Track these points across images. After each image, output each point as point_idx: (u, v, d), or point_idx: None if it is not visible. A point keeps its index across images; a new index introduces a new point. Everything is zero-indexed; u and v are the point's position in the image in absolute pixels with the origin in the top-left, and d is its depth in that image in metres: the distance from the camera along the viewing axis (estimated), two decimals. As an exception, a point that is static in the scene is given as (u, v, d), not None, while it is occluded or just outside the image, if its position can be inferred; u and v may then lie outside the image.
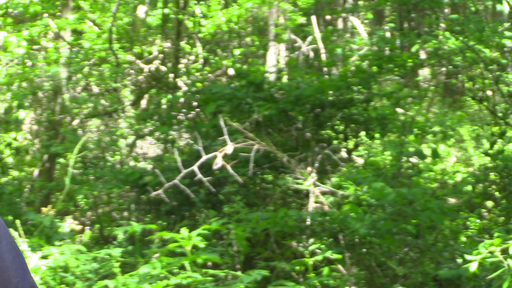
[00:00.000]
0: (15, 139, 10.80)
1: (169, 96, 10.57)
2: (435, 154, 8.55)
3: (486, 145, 8.50)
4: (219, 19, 11.72)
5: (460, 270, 6.08)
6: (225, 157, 7.43)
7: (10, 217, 8.07)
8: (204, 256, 5.93)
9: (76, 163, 9.15)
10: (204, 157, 7.49)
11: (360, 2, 12.51)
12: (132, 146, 11.00)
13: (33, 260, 5.92)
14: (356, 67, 9.20)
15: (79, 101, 11.24)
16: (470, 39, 8.16)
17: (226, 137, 7.52)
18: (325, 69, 11.46)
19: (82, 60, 11.04)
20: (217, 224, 6.71)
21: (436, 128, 9.21)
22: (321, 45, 11.67)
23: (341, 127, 8.60)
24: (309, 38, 12.23)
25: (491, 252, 5.29)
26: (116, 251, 6.38)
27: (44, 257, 6.12)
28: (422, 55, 10.05)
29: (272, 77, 10.08)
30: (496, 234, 5.93)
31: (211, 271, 6.04)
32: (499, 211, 8.02)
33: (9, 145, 10.71)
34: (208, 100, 8.60)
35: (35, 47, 11.28)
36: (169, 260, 5.89)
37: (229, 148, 7.43)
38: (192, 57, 12.13)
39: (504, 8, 8.63)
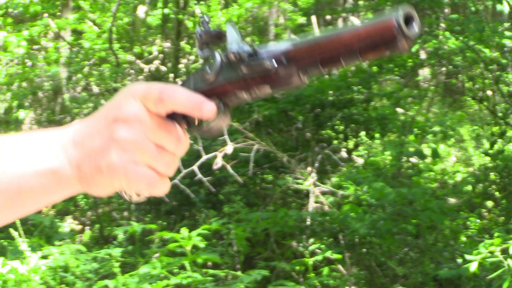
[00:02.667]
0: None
1: (169, 96, 10.55)
2: (435, 154, 8.55)
3: (486, 145, 8.50)
4: (219, 19, 11.72)
5: (460, 270, 6.07)
6: (225, 157, 7.43)
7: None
8: (204, 256, 5.93)
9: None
10: (204, 157, 7.49)
11: (360, 2, 12.51)
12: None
13: (33, 260, 5.93)
14: (356, 67, 9.19)
15: (79, 101, 11.24)
16: (470, 39, 8.16)
17: (226, 137, 7.52)
18: (325, 69, 11.45)
19: (82, 60, 11.04)
20: (217, 224, 6.71)
21: (436, 128, 9.21)
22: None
23: (341, 127, 8.60)
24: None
25: (491, 252, 5.29)
26: (116, 251, 6.38)
27: (44, 257, 6.12)
28: (422, 55, 10.05)
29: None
30: (496, 234, 5.93)
31: (211, 271, 6.04)
32: (499, 211, 8.02)
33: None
34: (208, 100, 8.59)
35: (35, 47, 11.29)
36: (169, 260, 5.89)
37: (229, 148, 7.43)
38: (192, 57, 12.13)
39: (504, 8, 8.63)
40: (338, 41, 1.04)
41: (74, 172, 1.05)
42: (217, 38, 1.14)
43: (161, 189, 1.07)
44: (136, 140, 1.03)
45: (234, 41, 1.13)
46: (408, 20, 1.02)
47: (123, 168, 1.03)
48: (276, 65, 1.08)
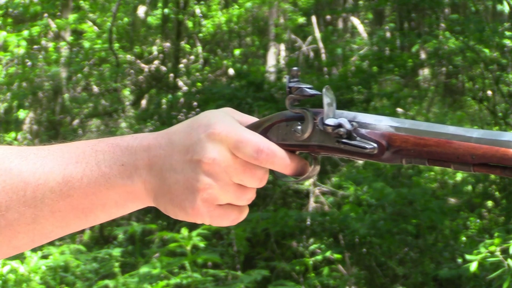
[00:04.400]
0: (15, 139, 10.80)
1: (169, 96, 10.57)
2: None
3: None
4: (219, 19, 11.72)
5: (460, 270, 6.08)
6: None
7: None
8: (204, 256, 5.93)
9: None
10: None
11: (360, 2, 12.52)
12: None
13: (33, 260, 5.93)
14: (356, 67, 9.19)
15: (79, 101, 11.24)
16: (470, 39, 8.16)
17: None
18: (325, 69, 11.46)
19: (82, 60, 11.04)
20: (217, 224, 6.70)
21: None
22: (321, 45, 11.68)
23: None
24: (309, 38, 12.23)
25: (491, 252, 5.29)
26: (116, 251, 6.38)
27: (44, 257, 6.12)
28: (422, 55, 10.06)
29: (272, 77, 10.09)
30: (496, 234, 5.93)
31: (211, 271, 6.05)
32: (499, 211, 8.02)
33: (9, 145, 10.71)
34: (208, 100, 8.61)
35: (35, 47, 11.29)
36: (169, 260, 5.89)
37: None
38: (192, 57, 12.13)
39: (504, 8, 8.63)
40: (449, 148, 1.00)
41: (149, 194, 1.06)
42: (310, 97, 1.08)
43: (242, 219, 1.09)
44: (221, 187, 1.03)
45: (331, 111, 1.07)
46: None
47: (208, 212, 1.05)
48: (377, 150, 1.04)
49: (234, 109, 1.10)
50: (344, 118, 1.06)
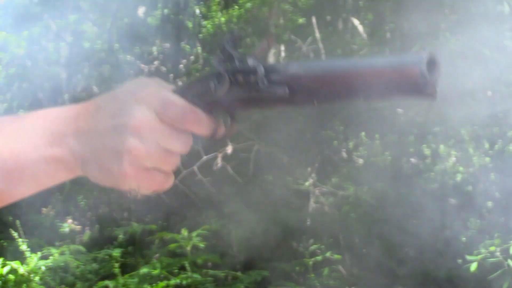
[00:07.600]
0: (15, 139, 10.80)
1: (169, 96, 10.57)
2: (436, 155, 8.55)
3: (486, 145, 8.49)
4: (219, 19, 11.72)
5: (460, 270, 6.07)
6: (225, 157, 7.43)
7: (10, 218, 8.08)
8: (204, 257, 5.93)
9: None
10: (204, 157, 7.49)
11: (360, 3, 12.52)
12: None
13: (33, 260, 5.93)
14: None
15: (79, 101, 11.24)
16: (470, 39, 8.16)
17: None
18: (325, 69, 11.46)
19: (82, 60, 11.04)
20: (217, 225, 6.71)
21: (436, 128, 9.20)
22: (321, 45, 11.68)
23: (341, 127, 8.60)
24: (309, 39, 12.23)
25: (491, 252, 5.29)
26: (116, 252, 6.38)
27: (44, 258, 6.12)
28: (422, 55, 10.05)
29: (272, 77, 10.08)
30: (496, 234, 5.93)
31: (211, 272, 6.04)
32: (499, 211, 8.02)
33: None
34: (208, 100, 8.61)
35: (35, 47, 11.29)
36: (169, 261, 5.89)
37: (229, 148, 7.43)
38: (192, 57, 12.13)
39: (504, 8, 8.62)
40: (356, 75, 0.99)
41: (77, 162, 1.07)
42: (233, 58, 1.09)
43: (168, 185, 1.09)
44: (148, 149, 1.05)
45: (237, 58, 1.08)
46: (431, 64, 0.98)
47: (134, 175, 1.05)
48: (288, 93, 1.04)
49: (163, 81, 1.12)
50: (253, 65, 1.07)
